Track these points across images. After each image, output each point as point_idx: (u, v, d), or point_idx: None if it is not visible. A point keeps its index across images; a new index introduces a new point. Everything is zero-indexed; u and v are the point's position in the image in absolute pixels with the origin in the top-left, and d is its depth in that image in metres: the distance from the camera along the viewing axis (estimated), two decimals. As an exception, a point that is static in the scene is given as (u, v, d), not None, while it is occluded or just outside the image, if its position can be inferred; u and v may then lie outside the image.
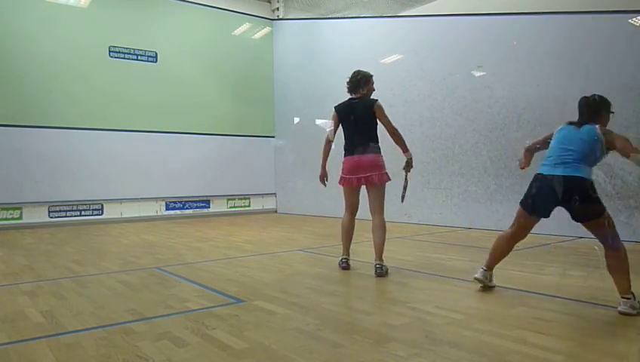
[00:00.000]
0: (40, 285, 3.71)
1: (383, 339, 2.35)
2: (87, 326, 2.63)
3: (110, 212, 9.16)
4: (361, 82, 4.02)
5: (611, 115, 2.99)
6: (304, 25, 10.80)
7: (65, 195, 8.66)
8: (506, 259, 3.26)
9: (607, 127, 2.88)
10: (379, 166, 3.93)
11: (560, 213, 2.90)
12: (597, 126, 2.84)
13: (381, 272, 3.81)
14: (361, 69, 4.09)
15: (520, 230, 3.11)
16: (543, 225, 3.10)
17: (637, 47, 5.58)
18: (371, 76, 4.08)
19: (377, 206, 3.96)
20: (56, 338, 2.45)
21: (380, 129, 3.99)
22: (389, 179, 3.98)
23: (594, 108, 2.93)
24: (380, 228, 3.91)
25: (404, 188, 4.11)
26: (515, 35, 6.72)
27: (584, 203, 2.75)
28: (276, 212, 11.09)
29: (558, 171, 2.83)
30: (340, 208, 9.75)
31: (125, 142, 9.26)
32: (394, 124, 3.95)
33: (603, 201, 2.78)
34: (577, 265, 4.28)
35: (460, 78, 7.41)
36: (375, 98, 4.04)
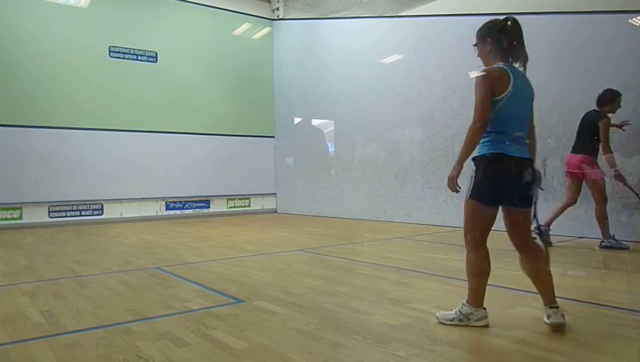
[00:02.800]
0: (40, 285, 3.71)
1: (383, 339, 2.35)
2: (87, 326, 2.63)
3: (110, 212, 9.15)
4: (606, 99, 5.00)
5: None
6: (304, 25, 10.79)
7: (65, 195, 8.65)
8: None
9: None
10: (579, 165, 5.04)
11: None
12: None
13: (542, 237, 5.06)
14: (611, 88, 4.99)
15: None
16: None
17: (637, 48, 5.57)
18: (619, 95, 4.95)
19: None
20: (56, 338, 2.45)
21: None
22: (585, 178, 4.94)
23: None
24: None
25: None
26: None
27: None
28: (276, 212, 11.09)
29: None
30: (338, 208, 9.73)
31: (125, 142, 9.25)
32: (605, 143, 4.83)
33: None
34: (577, 265, 4.28)
35: (460, 78, 7.40)
36: (605, 116, 4.94)
